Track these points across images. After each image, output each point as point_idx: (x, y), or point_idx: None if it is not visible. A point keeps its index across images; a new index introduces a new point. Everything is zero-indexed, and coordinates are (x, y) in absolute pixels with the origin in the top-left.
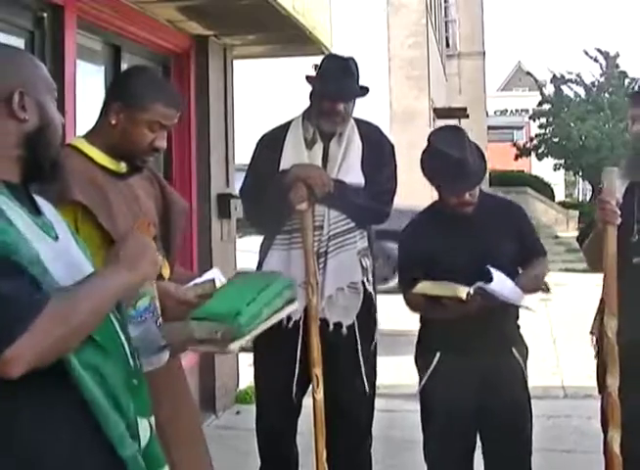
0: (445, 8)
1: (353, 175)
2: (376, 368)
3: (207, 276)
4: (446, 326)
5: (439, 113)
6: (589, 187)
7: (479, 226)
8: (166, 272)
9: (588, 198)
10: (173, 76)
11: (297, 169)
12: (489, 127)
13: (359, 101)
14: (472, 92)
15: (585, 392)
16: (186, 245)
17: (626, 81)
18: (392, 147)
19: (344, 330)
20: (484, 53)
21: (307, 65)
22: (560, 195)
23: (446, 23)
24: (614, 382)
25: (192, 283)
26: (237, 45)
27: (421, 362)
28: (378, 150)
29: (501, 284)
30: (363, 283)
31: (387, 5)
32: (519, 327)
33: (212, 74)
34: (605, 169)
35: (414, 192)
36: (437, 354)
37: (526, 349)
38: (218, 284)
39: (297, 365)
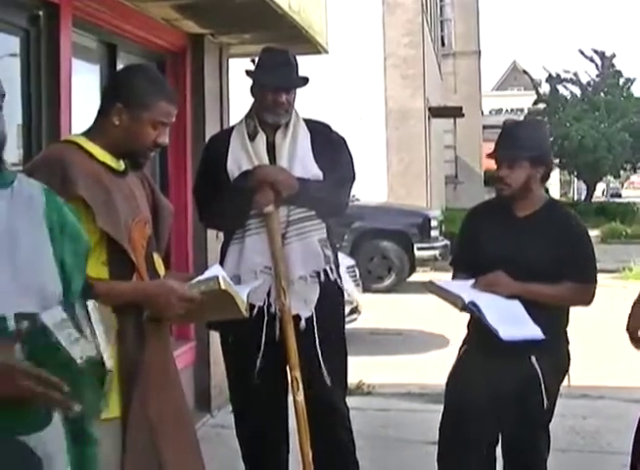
0: (441, 7)
1: (306, 167)
2: (346, 361)
3: (210, 273)
4: (476, 323)
5: (435, 111)
6: (584, 186)
7: (527, 231)
8: (161, 270)
9: (583, 197)
10: (169, 75)
11: (262, 172)
12: (484, 126)
13: (356, 101)
14: (467, 91)
15: (581, 391)
16: (181, 244)
17: (621, 81)
18: (345, 140)
19: (303, 323)
20: (480, 52)
21: (303, 64)
22: (555, 194)
23: (442, 22)
24: None
25: (195, 280)
26: (233, 44)
27: (458, 353)
28: (329, 143)
29: (497, 311)
30: (326, 272)
31: (382, 4)
32: (557, 338)
33: (208, 73)
34: None
35: (409, 191)
36: (464, 348)
37: (561, 360)
38: (222, 282)
39: (260, 357)
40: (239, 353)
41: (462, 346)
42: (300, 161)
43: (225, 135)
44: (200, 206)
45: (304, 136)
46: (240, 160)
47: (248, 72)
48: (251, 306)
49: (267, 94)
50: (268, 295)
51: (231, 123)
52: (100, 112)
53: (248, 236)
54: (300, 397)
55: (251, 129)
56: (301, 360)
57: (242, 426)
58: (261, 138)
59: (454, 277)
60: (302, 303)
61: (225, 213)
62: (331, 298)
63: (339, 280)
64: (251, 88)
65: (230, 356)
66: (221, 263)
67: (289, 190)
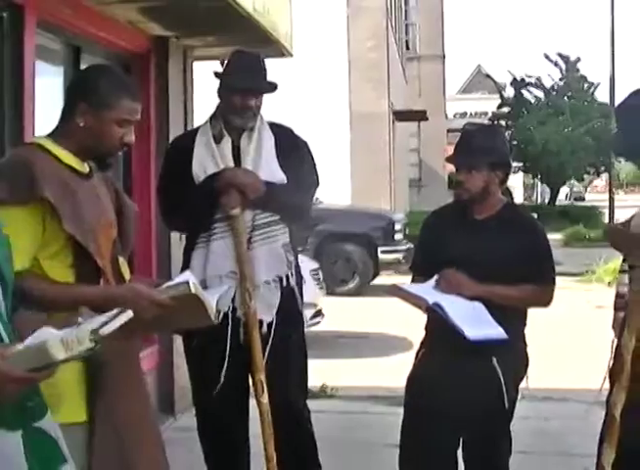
0: (406, 11)
1: (271, 172)
2: (306, 365)
3: (180, 279)
4: (434, 326)
5: (399, 115)
6: (548, 190)
7: (486, 233)
8: (127, 273)
9: (547, 201)
10: (133, 77)
11: (229, 175)
12: (449, 130)
13: (320, 104)
14: (431, 95)
15: (543, 394)
16: (145, 247)
17: (586, 85)
18: (308, 145)
19: (265, 327)
20: (444, 56)
21: (269, 66)
22: (519, 198)
23: (406, 25)
24: (619, 402)
25: (165, 286)
26: (197, 46)
27: (416, 356)
28: (293, 147)
29: (461, 312)
30: (287, 277)
31: (347, 7)
32: (516, 339)
33: (172, 76)
34: None
35: (373, 194)
36: (423, 350)
37: (520, 362)
38: (192, 287)
39: (227, 362)
40: (202, 358)
41: (420, 349)
42: (266, 164)
43: (189, 137)
44: (164, 208)
45: (269, 140)
46: (205, 162)
47: (216, 74)
48: (217, 311)
49: (236, 97)
50: (233, 300)
51: (195, 125)
52: (64, 113)
53: (213, 240)
54: (265, 400)
55: (217, 132)
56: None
57: (205, 429)
58: (227, 141)
59: (413, 281)
60: (266, 307)
61: (191, 216)
62: (291, 303)
63: (297, 286)
64: (219, 90)
65: (193, 360)
66: (185, 268)
67: (256, 193)
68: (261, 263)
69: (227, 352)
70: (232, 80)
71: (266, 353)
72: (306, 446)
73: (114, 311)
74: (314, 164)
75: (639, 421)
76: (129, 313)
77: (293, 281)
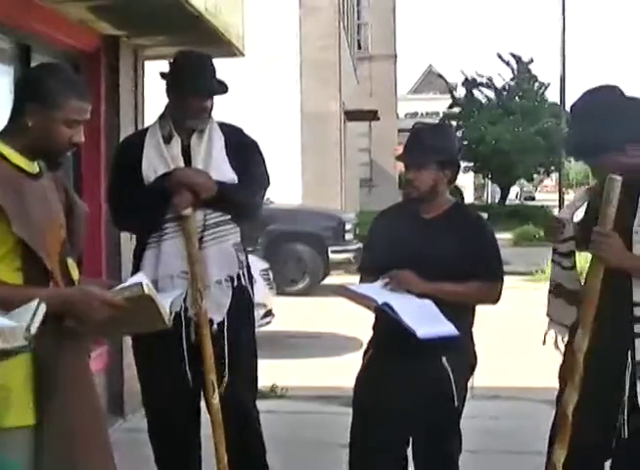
0: (358, 11)
1: (222, 172)
2: (256, 365)
3: (134, 280)
4: (382, 326)
5: (350, 115)
6: (498, 190)
7: (435, 232)
8: (76, 274)
9: (497, 200)
10: (83, 76)
11: (180, 175)
12: (400, 130)
13: (270, 103)
14: (383, 95)
15: (492, 392)
16: (94, 246)
17: (536, 86)
18: (257, 144)
19: (215, 327)
20: (396, 56)
21: (220, 66)
22: (469, 197)
23: (358, 25)
24: (572, 401)
25: (118, 287)
26: (148, 46)
27: (363, 356)
28: (243, 146)
29: (411, 311)
30: (239, 277)
31: (299, 7)
32: (465, 337)
33: (123, 75)
34: (609, 177)
35: (324, 194)
36: (371, 350)
37: (468, 360)
38: (146, 288)
39: (181, 362)
40: (152, 358)
41: (367, 349)
42: (216, 164)
43: (138, 137)
44: (114, 209)
45: (219, 140)
46: (155, 163)
47: (163, 75)
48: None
49: (191, 100)
50: (184, 300)
51: (146, 125)
52: (12, 113)
53: (164, 240)
54: (216, 400)
55: (166, 132)
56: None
57: (155, 430)
58: (176, 141)
59: (362, 281)
60: (216, 307)
61: (141, 216)
62: (242, 302)
63: (249, 285)
64: (169, 92)
65: (143, 361)
66: (136, 268)
67: (207, 193)
68: (213, 263)
69: (178, 352)
70: (186, 83)
71: (216, 353)
72: (255, 446)
73: (32, 307)
74: (264, 164)
75: (590, 419)
76: (43, 307)
77: (244, 281)
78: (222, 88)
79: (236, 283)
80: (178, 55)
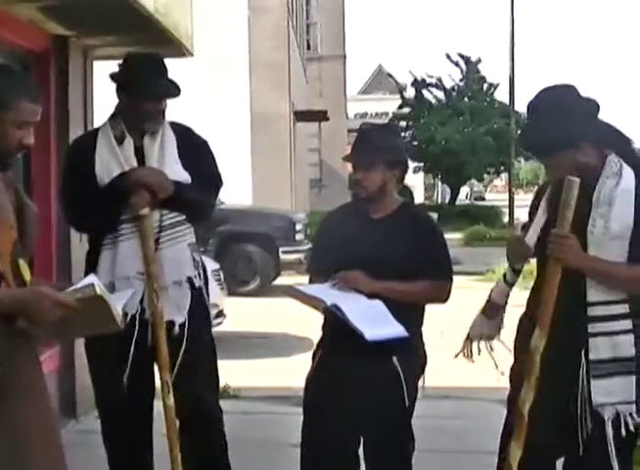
0: (307, 10)
1: (176, 172)
2: (216, 367)
3: (86, 281)
4: (331, 327)
5: (300, 115)
6: (448, 190)
7: (383, 232)
8: (27, 275)
9: (447, 200)
10: (34, 77)
11: (137, 174)
12: (349, 130)
13: (220, 103)
14: (332, 95)
15: (444, 392)
16: (45, 248)
17: (485, 86)
18: (208, 144)
19: (177, 328)
20: (345, 56)
21: (170, 66)
22: (419, 197)
23: (308, 25)
24: (528, 400)
25: (70, 289)
26: (97, 46)
27: (313, 357)
28: (194, 146)
29: (360, 312)
30: (195, 277)
31: (248, 7)
32: (415, 336)
33: (72, 75)
34: (567, 179)
35: (274, 194)
36: (321, 351)
37: (419, 359)
38: (98, 289)
39: (129, 364)
40: (105, 358)
41: (317, 349)
42: (170, 165)
43: (90, 138)
44: (68, 210)
45: (171, 141)
46: (108, 164)
47: (114, 77)
48: (124, 314)
49: (148, 104)
50: (141, 301)
51: (95, 126)
52: None
53: (120, 241)
54: (171, 401)
55: (118, 133)
56: (174, 365)
57: (109, 431)
58: (129, 142)
59: (311, 282)
60: (176, 308)
61: (98, 217)
62: (199, 302)
63: (204, 286)
64: (120, 93)
65: (96, 361)
66: (90, 270)
67: (165, 192)
68: (170, 264)
69: (131, 354)
70: (140, 86)
71: (180, 354)
72: (218, 446)
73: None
74: (216, 164)
75: (545, 419)
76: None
77: (200, 281)
78: (176, 91)
79: (194, 284)
80: (129, 57)
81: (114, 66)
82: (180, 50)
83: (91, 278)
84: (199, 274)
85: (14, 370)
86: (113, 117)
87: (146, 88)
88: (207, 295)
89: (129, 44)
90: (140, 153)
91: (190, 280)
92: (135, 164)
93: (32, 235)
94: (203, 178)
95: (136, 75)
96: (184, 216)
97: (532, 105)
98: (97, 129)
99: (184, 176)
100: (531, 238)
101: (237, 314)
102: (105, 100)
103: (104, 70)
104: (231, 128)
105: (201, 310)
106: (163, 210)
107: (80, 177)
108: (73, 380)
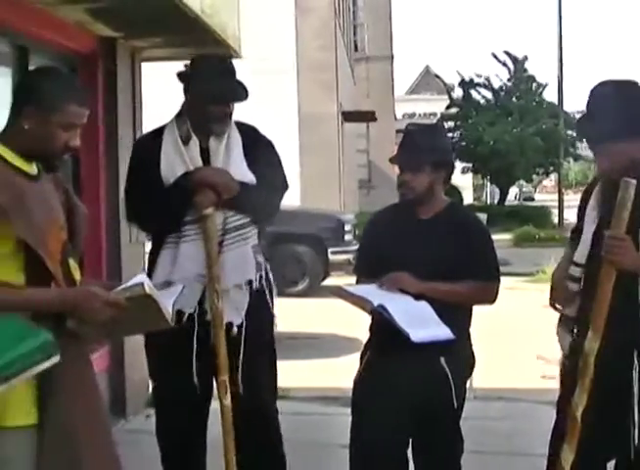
0: (354, 11)
1: (241, 173)
2: (275, 368)
3: (135, 281)
4: (379, 327)
5: (348, 116)
6: (497, 190)
7: (430, 233)
8: (77, 275)
9: (496, 201)
10: (81, 79)
11: (202, 174)
12: (397, 131)
13: (268, 105)
14: (380, 96)
15: (495, 394)
16: (95, 247)
17: (534, 86)
18: (273, 144)
19: (235, 329)
20: (393, 56)
21: None
22: (468, 198)
23: (355, 26)
24: (582, 403)
25: (119, 288)
26: (145, 48)
27: (361, 358)
28: (261, 147)
29: (406, 313)
30: (257, 279)
31: (295, 8)
32: (462, 337)
33: (120, 77)
34: (623, 180)
35: (323, 195)
36: (369, 352)
37: (467, 360)
38: (147, 288)
39: (194, 364)
40: (166, 358)
41: (364, 351)
42: (235, 166)
43: (155, 137)
44: (132, 209)
45: (237, 142)
46: (174, 164)
47: (182, 77)
48: (181, 313)
49: (213, 106)
50: (199, 303)
51: (144, 127)
52: (10, 116)
53: (183, 242)
54: (228, 401)
55: (184, 133)
56: (232, 366)
57: (165, 430)
58: (195, 143)
59: (358, 283)
60: (235, 310)
61: (161, 216)
62: (260, 304)
63: (267, 287)
64: (188, 94)
65: (157, 361)
66: (151, 268)
67: (229, 193)
68: (232, 267)
69: (193, 354)
70: (209, 90)
71: (240, 355)
72: (276, 446)
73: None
74: (281, 165)
75: (598, 421)
76: None
77: (262, 282)
78: (244, 94)
79: (256, 285)
80: (196, 57)
81: (162, 67)
82: (228, 51)
83: (140, 277)
84: (261, 276)
85: (64, 369)
86: (178, 115)
87: (212, 91)
88: (272, 296)
89: (177, 45)
90: (206, 154)
91: (250, 282)
92: (200, 164)
93: (82, 235)
94: (268, 180)
95: (203, 77)
96: (248, 218)
97: (595, 92)
98: (162, 127)
99: (249, 177)
100: (582, 253)
101: (286, 315)
102: (153, 101)
103: (151, 72)
104: (279, 129)
105: (261, 312)
106: (227, 211)
107: (145, 176)
108: (123, 379)
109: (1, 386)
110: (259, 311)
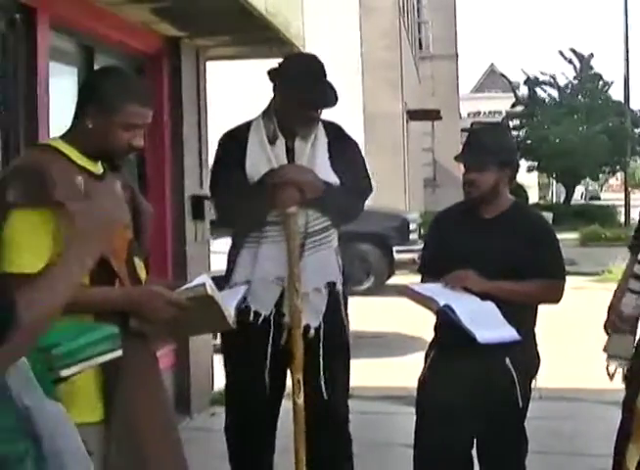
0: (418, 9)
1: (325, 174)
2: (349, 369)
3: (198, 281)
4: (445, 327)
5: (413, 114)
6: (563, 189)
7: (495, 232)
8: (143, 274)
9: (562, 200)
10: (146, 78)
11: (288, 171)
12: (463, 129)
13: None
14: (445, 94)
15: (559, 394)
16: (160, 246)
17: (600, 84)
18: (358, 145)
19: (312, 332)
20: (457, 55)
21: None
22: (533, 197)
23: (419, 24)
24: None
25: (182, 288)
26: (209, 46)
27: (425, 358)
28: (347, 148)
29: (472, 313)
30: (336, 282)
31: (359, 7)
32: (527, 338)
33: (185, 76)
34: None
35: (388, 194)
36: (434, 352)
37: (532, 360)
38: (209, 289)
39: (268, 364)
40: (242, 358)
41: (429, 350)
42: (320, 167)
43: (241, 134)
44: (218, 205)
45: (323, 143)
46: (259, 162)
47: (272, 76)
48: (257, 314)
49: (301, 110)
50: (276, 305)
51: (209, 126)
52: (75, 115)
53: (263, 242)
54: (301, 399)
55: (271, 132)
56: (308, 367)
57: (236, 429)
58: (281, 143)
59: (423, 281)
60: (313, 313)
61: (245, 213)
62: (336, 306)
63: (341, 293)
64: (278, 94)
65: (232, 360)
66: (231, 267)
67: (314, 192)
68: (312, 271)
69: (268, 355)
70: (302, 94)
71: (319, 359)
72: (347, 446)
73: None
74: (366, 166)
75: None
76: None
77: (340, 285)
78: (333, 99)
79: (334, 288)
80: (289, 57)
81: (227, 65)
82: (292, 50)
83: (203, 277)
84: (340, 279)
85: (129, 366)
86: (265, 113)
87: (303, 95)
88: (346, 298)
89: (241, 44)
90: (291, 154)
91: (329, 285)
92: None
93: (148, 234)
94: (352, 181)
95: (294, 79)
96: (329, 222)
97: None
98: (249, 124)
99: (333, 180)
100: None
101: (351, 314)
102: (218, 99)
103: (216, 70)
104: (344, 128)
105: (338, 313)
106: (310, 212)
107: (230, 173)
108: (188, 378)
109: (65, 371)
110: (335, 314)
